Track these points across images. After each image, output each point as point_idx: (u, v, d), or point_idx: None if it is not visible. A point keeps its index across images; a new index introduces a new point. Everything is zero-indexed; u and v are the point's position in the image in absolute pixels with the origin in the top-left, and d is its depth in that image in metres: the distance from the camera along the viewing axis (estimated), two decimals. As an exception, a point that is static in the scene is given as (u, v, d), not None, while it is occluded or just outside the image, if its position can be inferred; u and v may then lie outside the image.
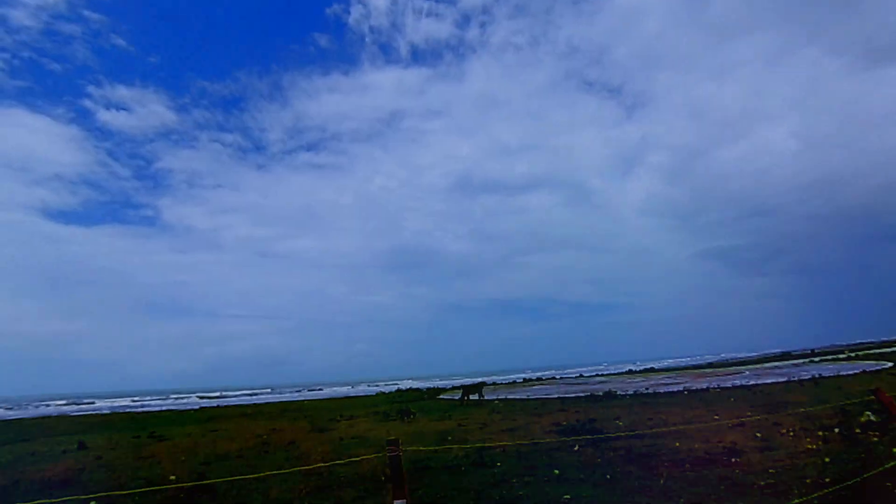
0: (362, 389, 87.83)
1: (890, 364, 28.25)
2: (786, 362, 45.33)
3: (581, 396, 25.36)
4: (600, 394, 25.14)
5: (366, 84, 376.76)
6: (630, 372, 58.21)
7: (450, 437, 14.62)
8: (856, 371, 26.60)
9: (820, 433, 10.52)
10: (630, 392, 24.97)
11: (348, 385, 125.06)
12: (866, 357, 40.46)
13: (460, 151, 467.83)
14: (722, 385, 24.93)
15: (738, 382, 26.29)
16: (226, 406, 44.47)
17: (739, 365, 50.50)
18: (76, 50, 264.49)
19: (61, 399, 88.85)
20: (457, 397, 30.03)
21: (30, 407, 68.85)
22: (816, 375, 25.18)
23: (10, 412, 62.82)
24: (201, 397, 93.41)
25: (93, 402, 73.28)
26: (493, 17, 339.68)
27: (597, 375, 55.00)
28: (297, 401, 47.50)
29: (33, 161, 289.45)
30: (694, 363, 74.61)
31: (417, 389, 42.50)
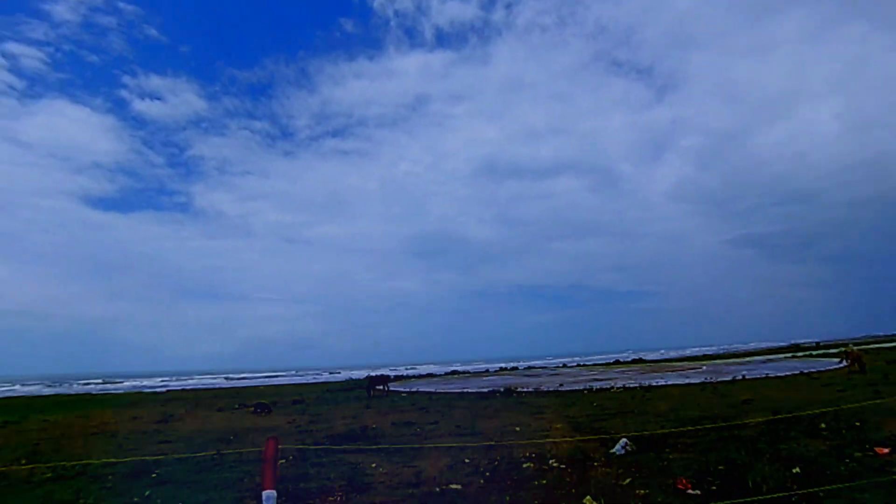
0: (386, 371, 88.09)
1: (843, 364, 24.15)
2: (766, 356, 40.82)
3: (483, 392, 23.47)
4: (501, 390, 23.20)
5: (391, 69, 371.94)
6: (617, 362, 54.73)
7: (231, 438, 13.49)
8: (793, 372, 23.04)
9: (525, 465, 8.47)
10: (531, 390, 22.80)
11: (369, 369, 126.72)
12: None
13: (486, 136, 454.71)
14: (629, 385, 22.28)
15: (661, 381, 23.49)
16: (181, 389, 45.42)
17: (725, 358, 46.09)
18: (112, 41, 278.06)
19: (98, 378, 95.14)
20: (412, 389, 28.82)
21: (65, 385, 73.89)
22: (739, 377, 22.04)
23: (49, 388, 67.68)
24: (228, 378, 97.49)
25: (120, 382, 77.76)
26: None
27: (577, 366, 52.09)
28: (253, 386, 47.64)
29: (74, 150, 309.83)
30: (693, 354, 69.42)
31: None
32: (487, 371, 51.52)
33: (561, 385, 24.59)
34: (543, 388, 23.19)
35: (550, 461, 8.49)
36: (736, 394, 16.74)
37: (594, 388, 22.05)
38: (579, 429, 11.95)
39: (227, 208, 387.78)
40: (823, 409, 11.61)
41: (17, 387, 68.05)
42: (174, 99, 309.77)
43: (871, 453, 7.51)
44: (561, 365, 56.90)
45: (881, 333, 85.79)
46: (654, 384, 21.87)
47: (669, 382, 22.17)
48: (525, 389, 22.90)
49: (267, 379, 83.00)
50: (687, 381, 22.43)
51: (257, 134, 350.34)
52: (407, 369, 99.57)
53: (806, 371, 22.65)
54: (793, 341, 71.13)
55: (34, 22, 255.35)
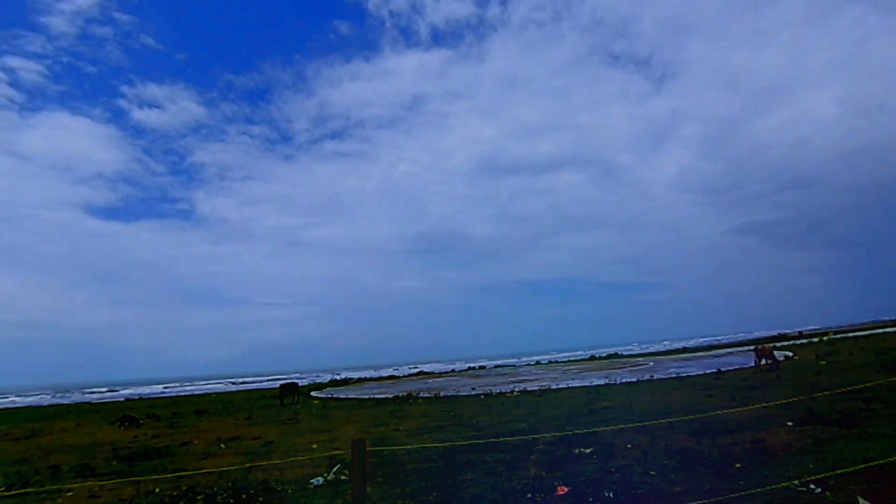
0: (386, 372, 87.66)
1: (790, 353, 22.17)
2: (730, 350, 38.45)
3: (387, 398, 22.36)
4: (402, 395, 22.15)
5: (387, 69, 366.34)
6: (592, 358, 52.77)
7: (38, 457, 12.73)
8: (707, 371, 21.23)
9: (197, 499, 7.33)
10: (430, 395, 21.56)
11: (371, 369, 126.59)
12: (826, 342, 33.16)
13: (484, 133, 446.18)
14: (530, 389, 20.84)
15: (570, 384, 22.00)
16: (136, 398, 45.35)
17: (694, 351, 43.74)
18: (109, 52, 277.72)
19: (103, 387, 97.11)
20: (330, 395, 27.86)
21: (63, 395, 75.46)
22: (646, 378, 20.41)
23: (53, 398, 69.08)
24: (232, 382, 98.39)
25: (115, 390, 79.06)
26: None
27: (549, 363, 50.33)
28: (206, 394, 47.11)
29: (76, 161, 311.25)
30: (676, 348, 66.48)
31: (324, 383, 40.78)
32: (453, 371, 50.26)
33: (473, 389, 23.28)
34: (444, 393, 21.93)
35: (218, 496, 7.35)
36: (609, 399, 15.25)
37: (493, 392, 20.71)
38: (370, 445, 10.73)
39: (228, 214, 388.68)
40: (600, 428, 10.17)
41: (15, 398, 69.70)
42: (173, 107, 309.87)
43: (540, 495, 6.16)
44: (535, 363, 55.21)
45: (887, 318, 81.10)
46: (556, 387, 20.38)
47: (572, 385, 20.65)
48: (424, 395, 21.72)
49: (268, 382, 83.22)
50: (591, 383, 20.83)
51: (256, 139, 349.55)
52: (409, 368, 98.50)
53: (724, 369, 20.81)
54: (781, 331, 67.68)
55: (31, 35, 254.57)
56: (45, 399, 66.56)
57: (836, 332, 47.36)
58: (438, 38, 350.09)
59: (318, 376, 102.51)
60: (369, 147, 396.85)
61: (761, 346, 19.42)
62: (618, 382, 19.46)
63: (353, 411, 18.38)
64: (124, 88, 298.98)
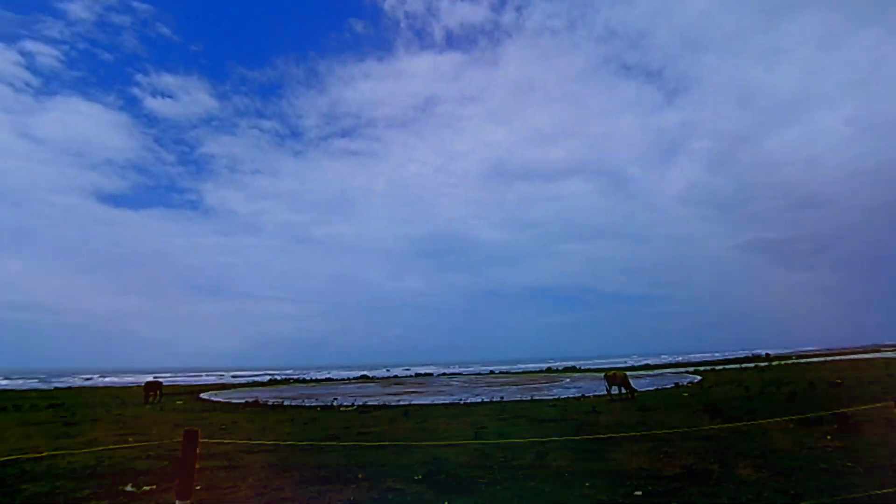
0: (377, 373, 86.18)
1: (698, 378, 19.35)
2: (677, 370, 35.20)
3: (239, 403, 20.75)
4: (251, 401, 20.52)
5: (400, 70, 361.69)
6: (549, 370, 49.96)
7: None
8: (576, 395, 18.75)
9: None
10: (281, 402, 19.83)
11: (367, 369, 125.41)
12: (761, 369, 29.81)
13: (495, 138, 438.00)
14: (372, 403, 18.89)
15: (415, 401, 19.94)
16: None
17: (636, 370, 40.52)
18: (126, 40, 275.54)
19: (96, 373, 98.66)
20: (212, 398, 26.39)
21: (53, 379, 76.78)
22: (516, 398, 18.14)
23: (39, 383, 70.13)
24: (220, 375, 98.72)
25: (104, 377, 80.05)
26: (529, 0, 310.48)
27: (502, 372, 47.76)
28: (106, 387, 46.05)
29: (87, 147, 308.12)
30: (639, 364, 62.63)
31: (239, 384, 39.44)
32: (396, 377, 48.31)
33: (334, 400, 21.51)
34: (311, 402, 20.27)
35: None
36: (411, 421, 13.21)
37: (342, 405, 18.88)
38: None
39: (237, 206, 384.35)
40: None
41: (2, 381, 71.09)
42: (185, 97, 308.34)
43: None
44: (488, 372, 52.64)
45: (889, 342, 74.87)
46: (392, 403, 18.41)
47: (415, 403, 18.58)
48: (272, 402, 20.10)
49: (260, 376, 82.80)
50: (450, 401, 18.71)
51: (267, 133, 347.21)
52: (404, 369, 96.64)
53: (588, 394, 18.34)
54: (757, 351, 63.06)
55: (50, 20, 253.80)
56: (27, 384, 67.46)
57: (801, 356, 43.31)
58: (453, 41, 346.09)
59: (305, 373, 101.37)
60: (379, 147, 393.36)
61: (612, 374, 16.91)
62: (481, 402, 17.33)
63: (171, 415, 16.83)
64: (138, 77, 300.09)
